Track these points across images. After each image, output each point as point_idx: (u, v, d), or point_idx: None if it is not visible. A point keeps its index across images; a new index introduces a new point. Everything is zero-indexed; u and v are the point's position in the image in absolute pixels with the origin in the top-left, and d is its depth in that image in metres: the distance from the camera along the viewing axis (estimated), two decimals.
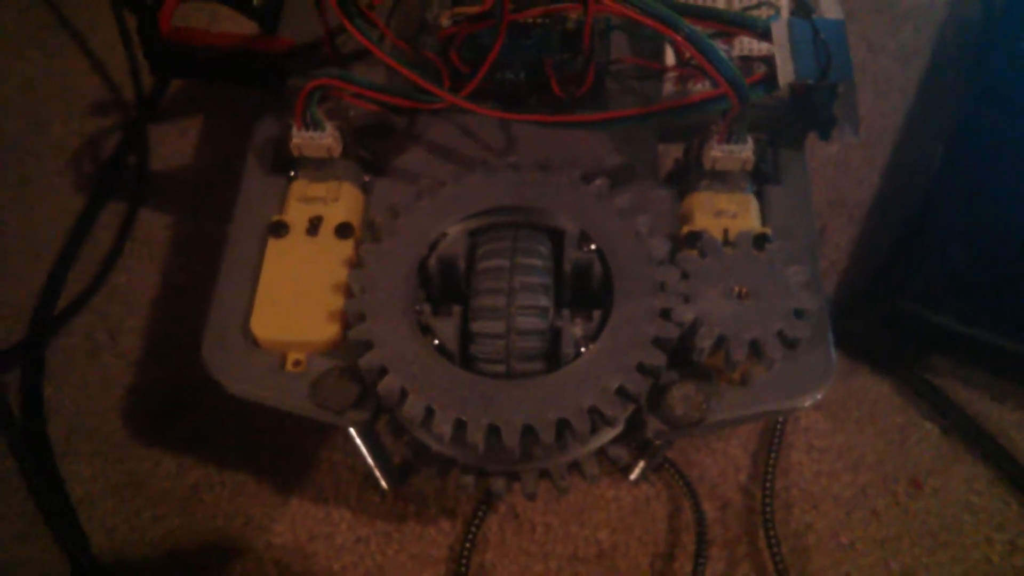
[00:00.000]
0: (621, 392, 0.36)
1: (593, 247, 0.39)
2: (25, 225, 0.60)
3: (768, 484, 0.48)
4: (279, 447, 0.51)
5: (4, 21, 0.68)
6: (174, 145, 0.62)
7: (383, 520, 0.49)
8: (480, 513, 0.48)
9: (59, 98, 0.65)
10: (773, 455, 0.49)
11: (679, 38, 0.36)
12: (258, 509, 0.50)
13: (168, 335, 0.55)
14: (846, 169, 0.60)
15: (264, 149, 0.45)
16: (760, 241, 0.40)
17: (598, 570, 0.48)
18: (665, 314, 0.37)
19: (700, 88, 0.45)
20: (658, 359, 0.36)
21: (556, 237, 0.40)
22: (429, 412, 0.36)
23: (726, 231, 0.41)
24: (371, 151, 0.45)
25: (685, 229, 0.41)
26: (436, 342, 0.38)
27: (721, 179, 0.42)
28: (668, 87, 0.46)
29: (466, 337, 0.38)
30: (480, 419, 0.36)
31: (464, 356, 0.38)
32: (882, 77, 0.64)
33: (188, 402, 0.53)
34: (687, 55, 0.43)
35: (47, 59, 0.67)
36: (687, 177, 0.43)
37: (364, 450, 0.45)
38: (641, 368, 0.36)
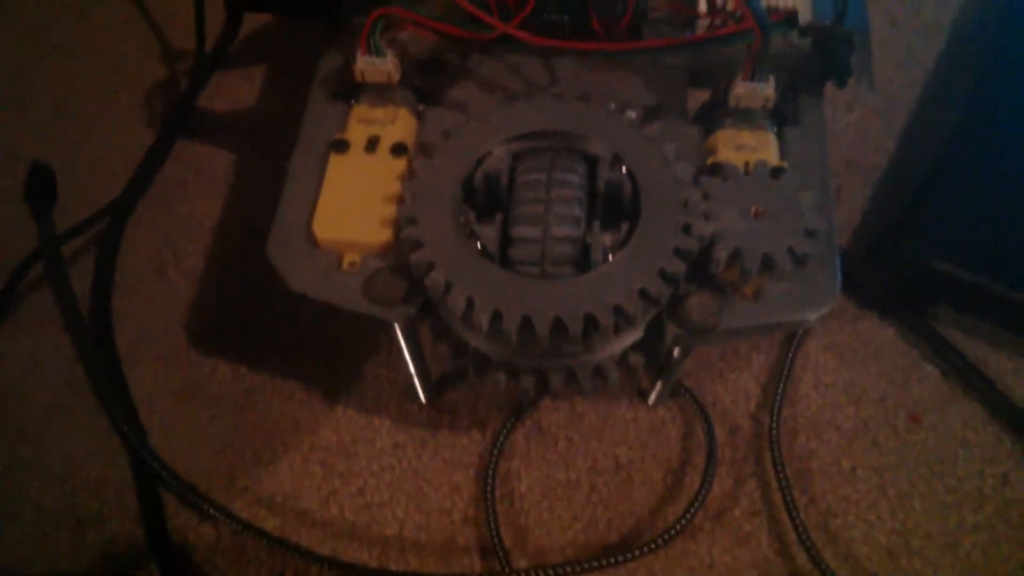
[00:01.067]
0: (643, 294, 0.40)
1: (624, 169, 0.43)
2: (100, 155, 0.65)
3: (776, 412, 0.52)
4: (327, 360, 0.56)
5: None
6: (239, 89, 0.67)
7: (420, 428, 0.53)
8: (508, 425, 0.53)
9: (136, 43, 0.70)
10: (782, 386, 0.53)
11: None
12: (305, 414, 0.54)
13: (227, 258, 0.60)
14: (865, 135, 0.64)
15: (328, 78, 0.50)
16: (776, 172, 0.44)
17: (614, 481, 0.52)
18: (686, 228, 0.41)
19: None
20: (678, 267, 0.40)
21: (591, 160, 0.44)
22: (470, 304, 0.40)
23: (747, 163, 0.45)
24: (426, 82, 0.49)
25: (709, 160, 0.45)
26: (479, 245, 0.42)
27: (744, 117, 0.46)
28: (699, 31, 0.50)
29: (506, 241, 0.42)
30: (515, 310, 0.39)
31: (504, 258, 0.42)
32: (904, 51, 0.67)
33: (244, 317, 0.57)
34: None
35: (125, 5, 0.72)
36: (713, 115, 0.47)
37: (407, 356, 0.49)
38: (662, 274, 0.40)
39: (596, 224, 0.42)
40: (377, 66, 0.46)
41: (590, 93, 0.46)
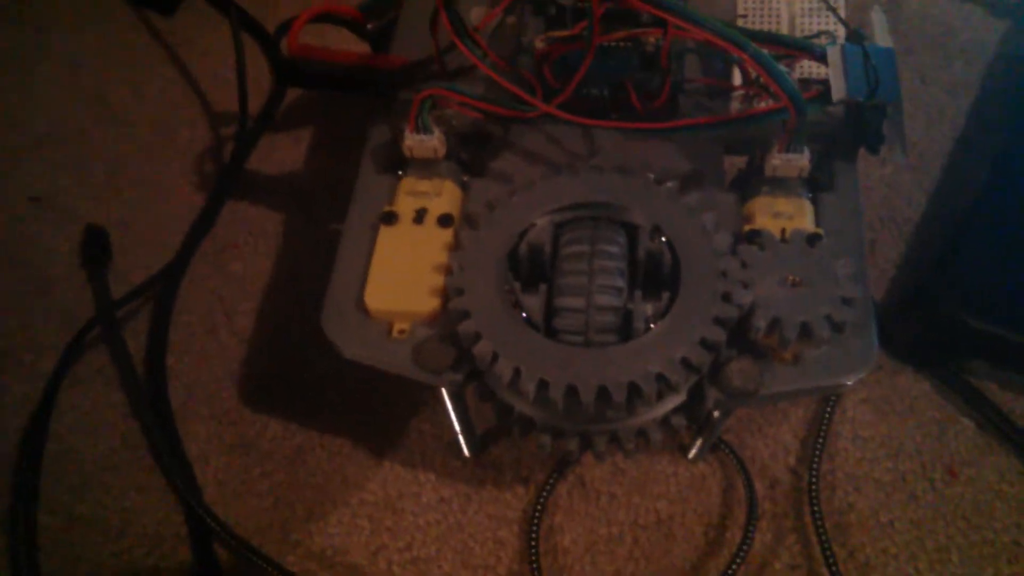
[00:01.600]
0: (685, 363, 0.41)
1: (664, 239, 0.45)
2: (152, 220, 0.67)
3: (815, 466, 0.53)
4: (373, 417, 0.58)
5: (139, 42, 0.77)
6: (287, 152, 0.70)
7: (464, 483, 0.55)
8: (551, 481, 0.54)
9: (186, 109, 0.73)
10: (821, 440, 0.54)
11: (747, 57, 0.42)
12: (353, 469, 0.56)
13: (276, 318, 0.62)
14: (897, 189, 0.65)
15: (377, 151, 0.52)
16: (813, 239, 0.45)
17: (656, 535, 0.53)
18: (726, 297, 0.43)
19: (763, 106, 0.51)
20: (718, 336, 0.42)
21: (631, 230, 0.46)
22: (516, 373, 0.42)
23: (783, 230, 0.46)
24: (470, 155, 0.51)
25: (746, 228, 0.47)
26: (524, 315, 0.44)
27: (780, 185, 0.48)
28: (735, 104, 0.52)
29: (550, 311, 0.44)
30: (561, 379, 0.41)
31: (548, 327, 0.44)
32: (933, 107, 0.69)
33: (293, 375, 0.59)
34: (753, 73, 0.48)
35: (178, 75, 0.75)
36: (749, 183, 0.49)
37: (453, 415, 0.51)
38: (703, 343, 0.42)
39: (637, 293, 0.44)
40: (424, 143, 0.48)
41: (629, 164, 0.48)
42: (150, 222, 0.67)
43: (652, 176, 0.47)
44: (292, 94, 0.71)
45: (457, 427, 0.53)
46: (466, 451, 0.55)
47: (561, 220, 0.46)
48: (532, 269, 0.46)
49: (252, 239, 0.66)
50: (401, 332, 0.46)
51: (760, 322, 0.43)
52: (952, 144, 0.67)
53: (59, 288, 0.64)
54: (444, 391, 0.47)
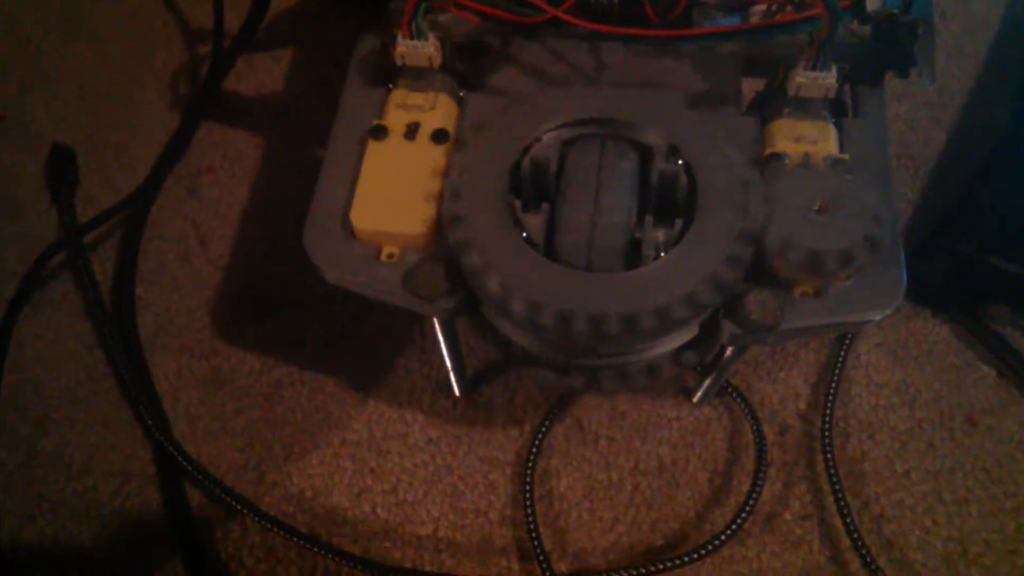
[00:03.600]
0: (691, 300, 0.38)
1: (680, 161, 0.41)
2: (126, 140, 0.63)
3: (828, 412, 0.50)
4: (358, 352, 0.54)
5: None
6: (266, 71, 0.66)
7: (454, 424, 0.52)
8: (547, 422, 0.51)
9: (161, 27, 0.68)
10: (834, 385, 0.51)
11: None
12: (336, 408, 0.52)
13: (255, 243, 0.58)
14: (915, 127, 0.61)
15: (365, 62, 0.48)
16: (838, 164, 0.42)
17: (658, 482, 0.50)
18: (745, 232, 0.39)
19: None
20: (733, 275, 0.38)
21: (645, 151, 0.42)
22: (506, 291, 0.38)
23: (806, 155, 0.43)
24: (467, 66, 0.47)
25: (767, 151, 0.43)
26: (524, 235, 0.40)
27: (803, 107, 0.44)
28: (754, 21, 0.48)
29: (551, 231, 0.40)
30: (553, 303, 0.38)
31: (548, 249, 0.40)
32: (952, 44, 0.65)
33: (273, 306, 0.56)
34: None
35: None
36: (770, 105, 0.45)
37: (444, 349, 0.47)
38: (715, 280, 0.38)
39: (648, 218, 0.40)
40: (418, 50, 0.44)
41: (638, 80, 0.44)
42: (121, 143, 0.63)
43: (670, 94, 0.43)
44: (273, 9, 0.66)
45: (448, 363, 0.49)
46: (456, 390, 0.52)
47: (569, 137, 0.43)
48: (535, 187, 0.42)
49: (228, 163, 0.62)
50: (390, 256, 0.42)
51: (789, 253, 0.39)
52: (972, 82, 0.63)
53: (24, 211, 0.60)
54: (435, 320, 0.43)
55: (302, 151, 0.61)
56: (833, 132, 0.44)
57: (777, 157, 0.42)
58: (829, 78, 0.43)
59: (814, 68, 0.43)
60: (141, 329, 0.56)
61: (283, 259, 0.56)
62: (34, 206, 0.60)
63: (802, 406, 0.51)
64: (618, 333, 0.37)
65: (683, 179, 0.40)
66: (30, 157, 0.62)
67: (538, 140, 0.42)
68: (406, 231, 0.41)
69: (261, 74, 0.65)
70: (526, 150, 0.42)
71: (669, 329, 0.39)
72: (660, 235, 0.40)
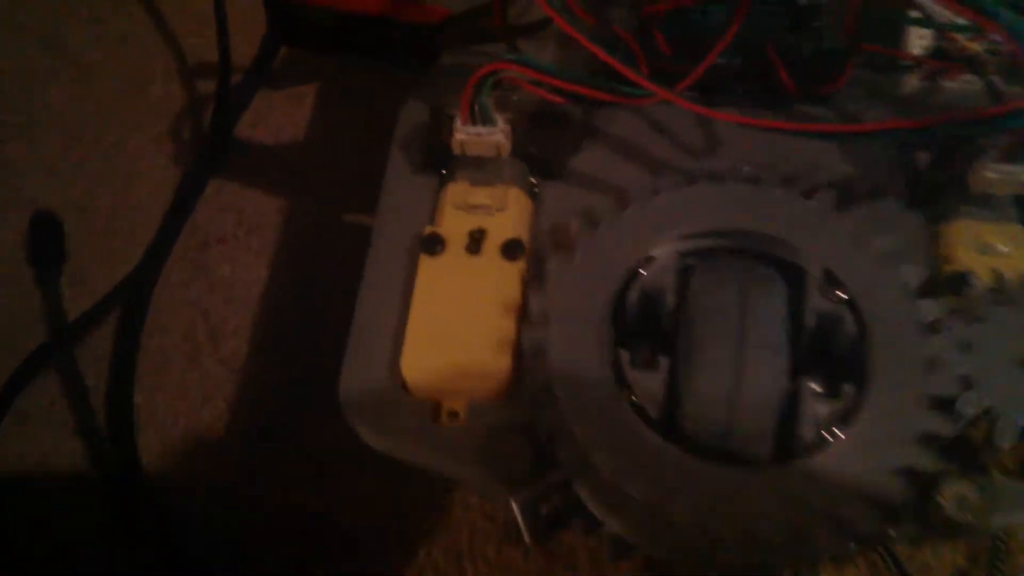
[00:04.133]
0: (879, 502, 0.28)
1: (842, 295, 0.30)
2: (119, 200, 0.53)
3: None
4: (401, 485, 0.44)
5: None
6: (288, 115, 0.55)
7: None
8: None
9: (160, 57, 0.57)
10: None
11: (994, 27, 0.27)
12: (378, 560, 0.43)
13: (278, 340, 0.48)
14: None
15: (410, 140, 0.37)
16: None
17: None
18: (938, 397, 0.29)
19: (955, 86, 0.36)
20: (928, 461, 0.28)
21: (794, 278, 0.31)
22: (619, 493, 0.29)
23: (997, 275, 0.32)
24: (541, 147, 0.36)
25: (946, 269, 0.32)
26: (635, 400, 0.30)
27: (985, 204, 0.34)
28: (912, 82, 0.37)
29: (672, 400, 0.30)
30: (693, 510, 0.28)
31: (670, 423, 0.30)
32: None
33: (298, 421, 0.45)
34: (1004, 48, 0.33)
35: (148, 14, 0.60)
36: (938, 198, 0.34)
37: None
38: (907, 471, 0.28)
39: (805, 384, 0.29)
40: (484, 138, 0.33)
41: (766, 165, 0.34)
42: (114, 204, 0.53)
43: (832, 196, 0.32)
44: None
45: (515, 508, 0.39)
46: (527, 536, 0.41)
47: (687, 251, 0.32)
48: (642, 328, 0.32)
49: (243, 232, 0.51)
50: (452, 416, 0.32)
51: (966, 409, 0.29)
52: None
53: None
54: (515, 505, 0.33)
55: (334, 216, 0.51)
56: None
57: (962, 279, 0.32)
58: None
59: (1011, 161, 0.32)
60: (142, 447, 0.46)
61: (312, 360, 0.46)
62: (15, 284, 0.50)
63: (960, 561, 0.41)
64: (783, 557, 0.27)
65: (849, 322, 0.30)
66: (7, 224, 0.52)
67: (649, 260, 0.31)
68: (474, 385, 0.32)
69: (280, 116, 0.55)
70: (633, 275, 0.31)
71: (846, 541, 0.29)
72: (822, 408, 0.29)
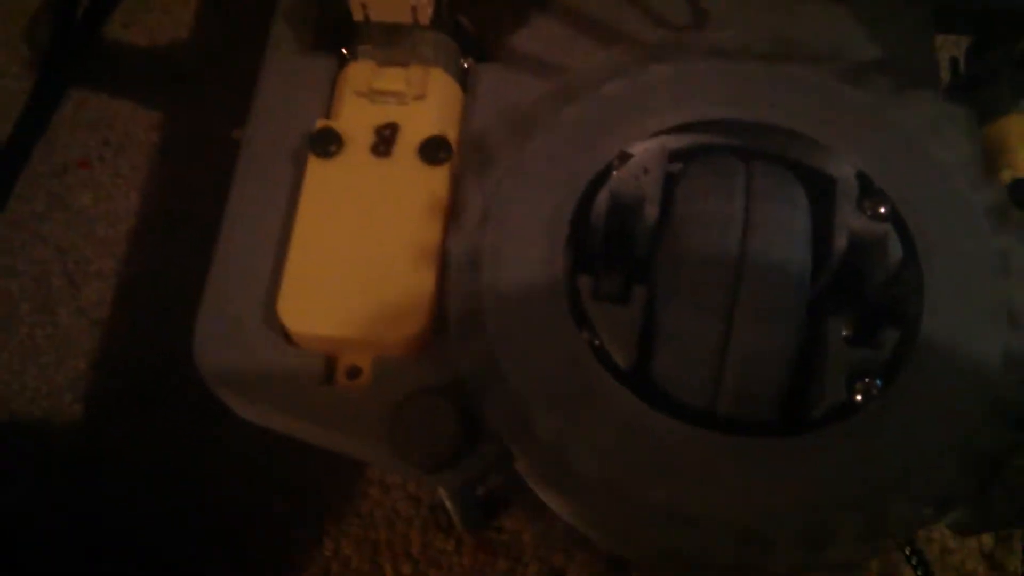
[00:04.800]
0: (920, 482, 0.20)
1: (883, 209, 0.23)
2: None
3: None
4: (303, 460, 0.36)
5: None
6: (168, 13, 0.47)
7: None
8: None
9: None
10: None
11: None
12: (276, 559, 0.34)
13: (149, 285, 0.40)
14: None
15: (300, 15, 0.29)
16: None
17: None
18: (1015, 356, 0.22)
19: None
20: (996, 434, 0.21)
21: (816, 182, 0.24)
22: (565, 470, 0.21)
23: None
24: (474, 20, 0.29)
25: (1005, 175, 0.25)
26: (596, 343, 0.23)
27: None
28: None
29: (651, 345, 0.23)
30: (662, 499, 0.21)
31: (643, 374, 0.23)
32: None
33: (173, 387, 0.37)
34: None
35: None
36: (994, 88, 0.27)
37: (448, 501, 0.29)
38: (972, 452, 0.21)
39: (835, 327, 0.22)
40: None
41: (774, 48, 0.26)
42: None
43: (849, 70, 0.25)
44: None
45: (446, 497, 0.31)
46: (459, 523, 0.33)
47: (679, 150, 0.25)
48: (614, 250, 0.25)
49: (111, 154, 0.44)
50: (353, 374, 0.24)
51: None
52: None
53: None
54: (442, 491, 0.25)
55: (223, 130, 0.41)
56: None
57: None
58: None
59: None
60: None
61: (189, 310, 0.37)
62: None
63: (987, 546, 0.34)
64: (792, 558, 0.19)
65: (896, 245, 0.22)
66: None
67: (624, 157, 0.23)
68: (379, 333, 0.24)
69: (159, 14, 0.46)
70: (599, 178, 0.24)
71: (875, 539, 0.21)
72: (856, 357, 0.21)
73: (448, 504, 0.32)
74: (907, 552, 0.30)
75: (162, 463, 0.36)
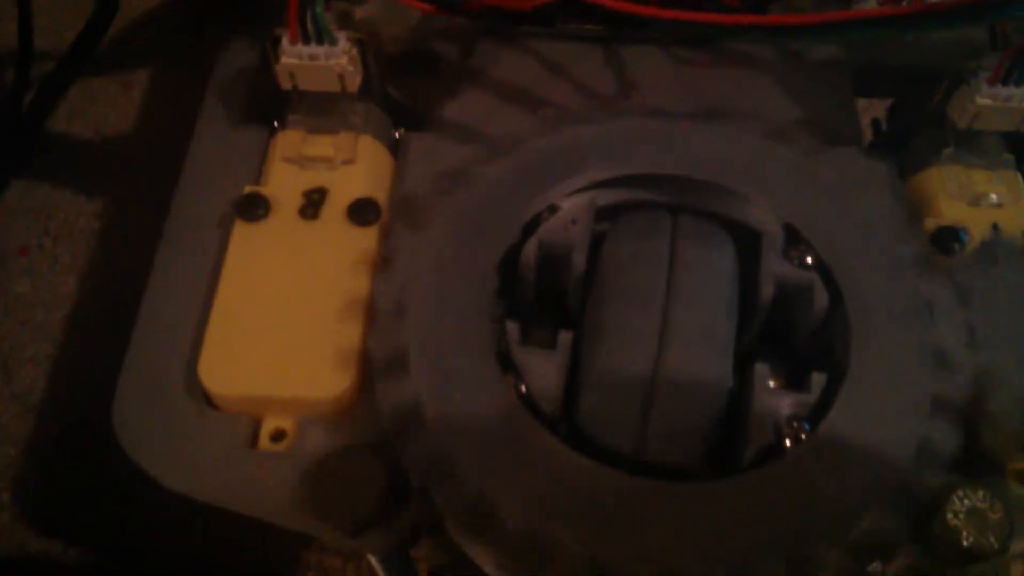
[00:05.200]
0: (852, 527, 0.20)
1: (809, 259, 0.23)
2: None
3: None
4: (237, 544, 0.35)
5: None
6: (112, 105, 0.46)
7: None
8: None
9: None
10: None
11: None
12: None
13: (86, 373, 0.39)
14: None
15: (231, 86, 0.29)
16: None
17: None
18: (944, 392, 0.22)
19: None
20: (934, 474, 0.21)
21: (744, 235, 0.24)
22: (489, 520, 0.20)
23: (995, 229, 0.26)
24: (404, 91, 0.29)
25: (931, 224, 0.25)
26: (523, 388, 0.22)
27: (973, 147, 0.27)
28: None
29: (576, 387, 0.22)
30: (587, 547, 0.20)
31: (569, 420, 0.22)
32: None
33: (108, 476, 0.35)
34: None
35: None
36: (913, 143, 0.28)
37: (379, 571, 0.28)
38: (903, 491, 0.21)
39: (761, 371, 0.22)
40: (320, 62, 0.25)
41: (697, 108, 0.26)
42: None
43: (775, 128, 0.25)
44: (127, 14, 0.47)
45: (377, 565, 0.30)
46: None
47: (608, 206, 0.25)
48: (544, 299, 0.25)
49: (51, 243, 0.42)
50: (277, 435, 0.23)
51: (993, 403, 0.22)
52: None
53: None
54: (373, 560, 0.24)
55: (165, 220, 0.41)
56: None
57: (951, 234, 0.25)
58: None
59: (1007, 83, 0.25)
60: None
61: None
62: None
63: None
64: None
65: (821, 292, 0.22)
66: None
67: (553, 209, 0.23)
68: (304, 393, 0.23)
69: (104, 107, 0.46)
70: (529, 229, 0.24)
71: None
72: (784, 404, 0.21)
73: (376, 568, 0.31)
74: None
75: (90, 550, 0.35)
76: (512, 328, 0.22)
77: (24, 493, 0.36)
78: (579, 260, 0.23)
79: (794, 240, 0.23)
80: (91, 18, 0.47)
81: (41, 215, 0.43)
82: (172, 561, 0.34)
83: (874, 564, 0.23)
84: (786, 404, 0.22)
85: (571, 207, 0.24)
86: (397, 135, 0.28)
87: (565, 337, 0.22)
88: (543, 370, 0.22)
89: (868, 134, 0.30)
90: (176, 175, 0.28)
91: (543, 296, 0.24)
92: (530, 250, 0.23)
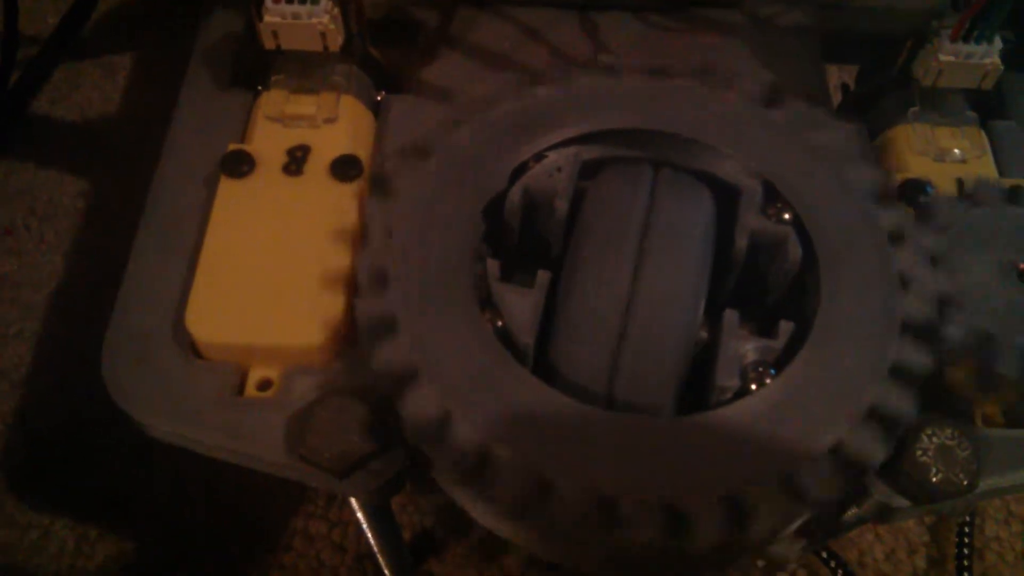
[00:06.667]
0: (837, 458, 0.21)
1: (787, 215, 0.24)
2: None
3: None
4: (226, 512, 0.35)
5: None
6: (97, 88, 0.46)
7: None
8: None
9: None
10: (967, 531, 0.33)
11: None
12: None
13: (72, 348, 0.39)
14: None
15: (216, 51, 0.29)
16: (1017, 195, 0.26)
17: None
18: (912, 325, 0.22)
19: None
20: (900, 410, 0.21)
21: (723, 197, 0.25)
22: (482, 460, 0.20)
23: (959, 182, 0.27)
24: (386, 53, 0.29)
25: (899, 177, 0.26)
26: (499, 323, 0.22)
27: (937, 104, 0.28)
28: None
29: (552, 326, 0.23)
30: (572, 480, 0.20)
31: (543, 358, 0.23)
32: None
33: (96, 447, 0.36)
34: None
35: None
36: (881, 104, 0.29)
37: (368, 532, 0.28)
38: (876, 418, 0.21)
39: (729, 315, 0.22)
40: (302, 21, 0.25)
41: (672, 70, 0.27)
42: None
43: (757, 89, 0.26)
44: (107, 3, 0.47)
45: (371, 541, 0.30)
46: (387, 573, 0.33)
47: (591, 160, 0.25)
48: (527, 243, 0.25)
49: (37, 222, 0.42)
50: (263, 386, 0.24)
51: (954, 333, 0.23)
52: None
53: None
54: (354, 502, 0.25)
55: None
56: (987, 143, 0.28)
57: (917, 186, 0.26)
58: (990, 55, 0.27)
59: (967, 40, 0.26)
60: None
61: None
62: None
63: (920, 562, 0.34)
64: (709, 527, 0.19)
65: (795, 246, 0.22)
66: None
67: (538, 159, 0.24)
68: (289, 341, 0.24)
69: (88, 90, 0.46)
70: (515, 176, 0.24)
71: (780, 528, 0.21)
72: (750, 347, 0.22)
73: (372, 541, 0.31)
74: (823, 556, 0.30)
75: (80, 520, 0.35)
76: (492, 265, 0.23)
77: (11, 467, 0.36)
78: (561, 206, 0.23)
79: (772, 197, 0.24)
80: (75, 2, 0.47)
81: (27, 195, 0.43)
82: (163, 530, 0.35)
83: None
84: (753, 349, 0.22)
85: (558, 157, 0.24)
86: (379, 97, 0.29)
87: (543, 276, 0.23)
88: (518, 307, 0.22)
89: (838, 97, 0.31)
90: (159, 155, 0.28)
91: (526, 241, 0.24)
92: (515, 195, 0.24)
